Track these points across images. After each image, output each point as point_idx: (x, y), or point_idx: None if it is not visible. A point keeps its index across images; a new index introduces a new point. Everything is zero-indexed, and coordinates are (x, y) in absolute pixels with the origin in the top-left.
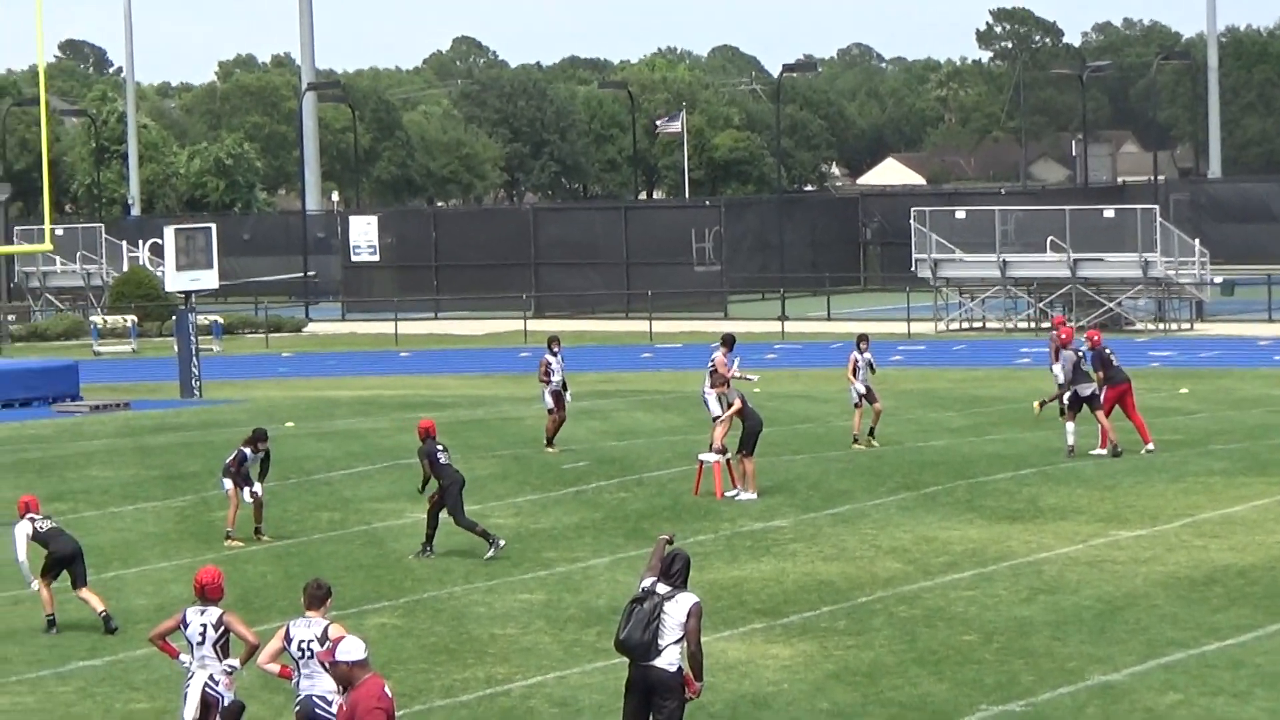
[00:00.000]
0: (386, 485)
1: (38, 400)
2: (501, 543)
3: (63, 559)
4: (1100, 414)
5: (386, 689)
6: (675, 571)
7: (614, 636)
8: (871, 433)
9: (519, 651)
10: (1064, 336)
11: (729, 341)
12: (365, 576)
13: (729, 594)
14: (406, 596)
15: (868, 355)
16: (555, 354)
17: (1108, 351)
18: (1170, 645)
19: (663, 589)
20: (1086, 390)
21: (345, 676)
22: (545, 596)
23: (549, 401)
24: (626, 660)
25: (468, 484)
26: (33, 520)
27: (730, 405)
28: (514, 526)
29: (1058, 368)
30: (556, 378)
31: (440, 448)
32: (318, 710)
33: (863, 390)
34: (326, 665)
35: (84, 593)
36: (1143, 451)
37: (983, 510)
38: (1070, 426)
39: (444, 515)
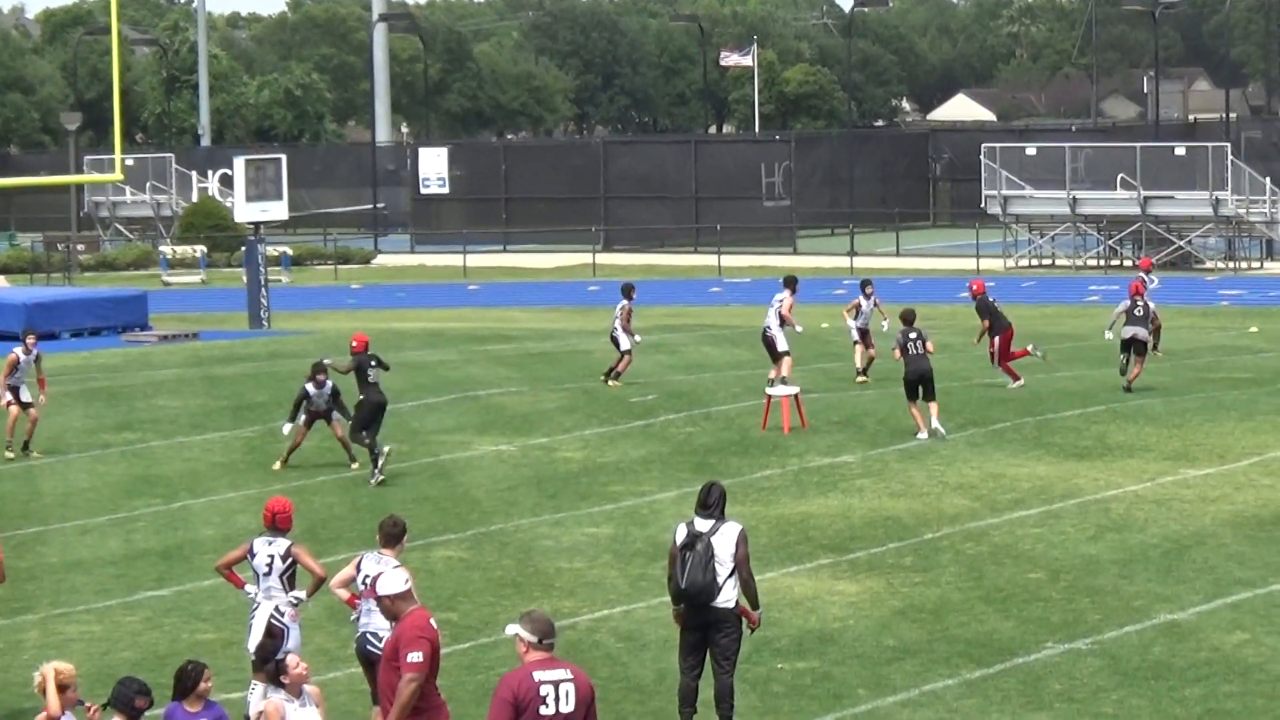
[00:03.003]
0: (454, 417)
1: (107, 329)
2: (381, 476)
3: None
4: (1004, 364)
5: (431, 621)
6: (713, 503)
7: (669, 586)
8: (864, 371)
9: (585, 585)
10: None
11: (791, 283)
12: (432, 509)
13: (796, 529)
14: (473, 529)
15: (874, 300)
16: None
17: (992, 300)
18: (1237, 584)
19: (704, 525)
20: (1129, 333)
21: (389, 610)
22: (612, 530)
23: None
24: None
25: (527, 417)
26: None
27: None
28: (581, 460)
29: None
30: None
31: (373, 363)
32: (368, 646)
33: (862, 328)
34: (373, 603)
35: None
36: (1011, 387)
37: (1050, 447)
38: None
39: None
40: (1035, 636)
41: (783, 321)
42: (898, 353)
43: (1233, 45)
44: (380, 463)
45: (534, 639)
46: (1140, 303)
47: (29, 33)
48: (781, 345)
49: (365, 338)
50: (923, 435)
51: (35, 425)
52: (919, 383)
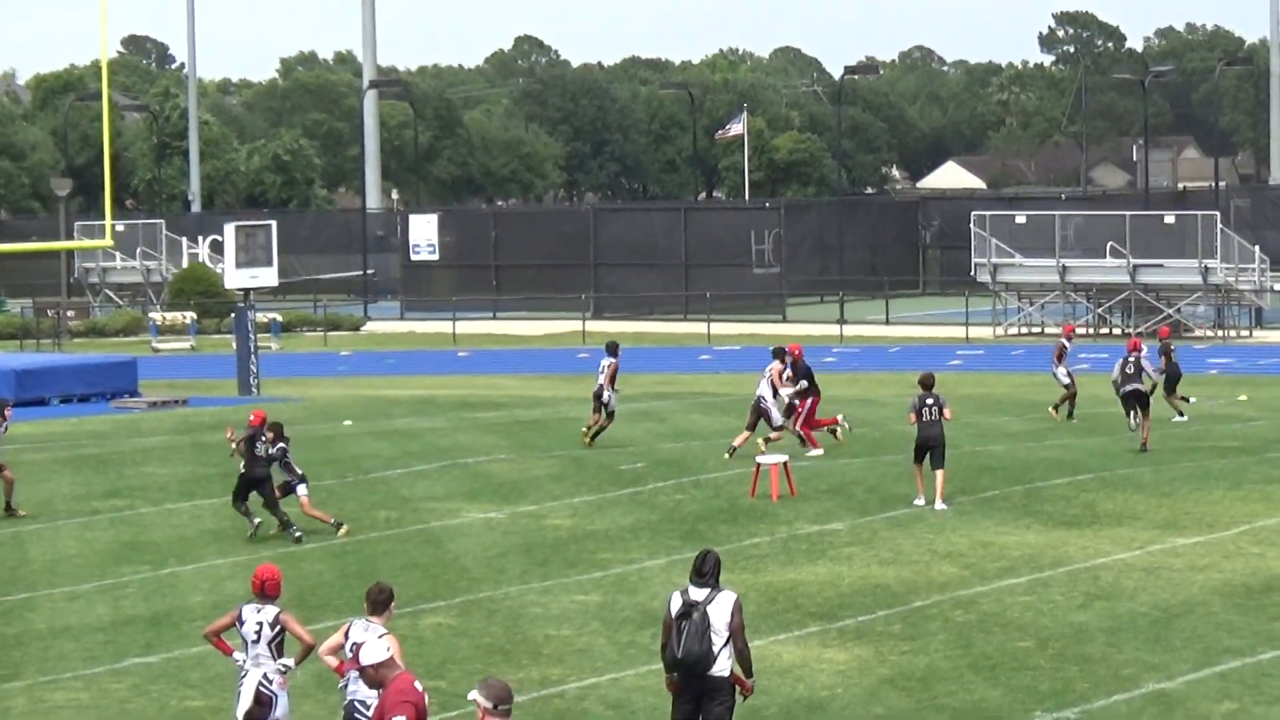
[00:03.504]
0: (444, 484)
1: (96, 396)
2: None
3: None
4: (806, 428)
5: (416, 684)
6: (708, 571)
7: (664, 655)
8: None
9: (573, 653)
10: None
11: (780, 354)
12: (421, 576)
13: (784, 597)
14: (462, 596)
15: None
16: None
17: (808, 366)
18: (1226, 653)
19: (699, 594)
20: (1129, 389)
21: (373, 679)
22: (600, 598)
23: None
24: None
25: (516, 484)
26: None
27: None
28: (570, 527)
29: (1061, 371)
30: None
31: (262, 438)
32: (356, 714)
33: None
34: (357, 674)
35: None
36: (809, 454)
37: (1039, 515)
38: (1132, 421)
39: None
40: (1024, 705)
41: (774, 390)
42: (912, 416)
43: (1222, 114)
44: (251, 532)
45: (489, 704)
46: (1133, 358)
47: (19, 99)
48: (776, 419)
49: (263, 414)
50: (919, 501)
51: (13, 486)
52: (927, 449)
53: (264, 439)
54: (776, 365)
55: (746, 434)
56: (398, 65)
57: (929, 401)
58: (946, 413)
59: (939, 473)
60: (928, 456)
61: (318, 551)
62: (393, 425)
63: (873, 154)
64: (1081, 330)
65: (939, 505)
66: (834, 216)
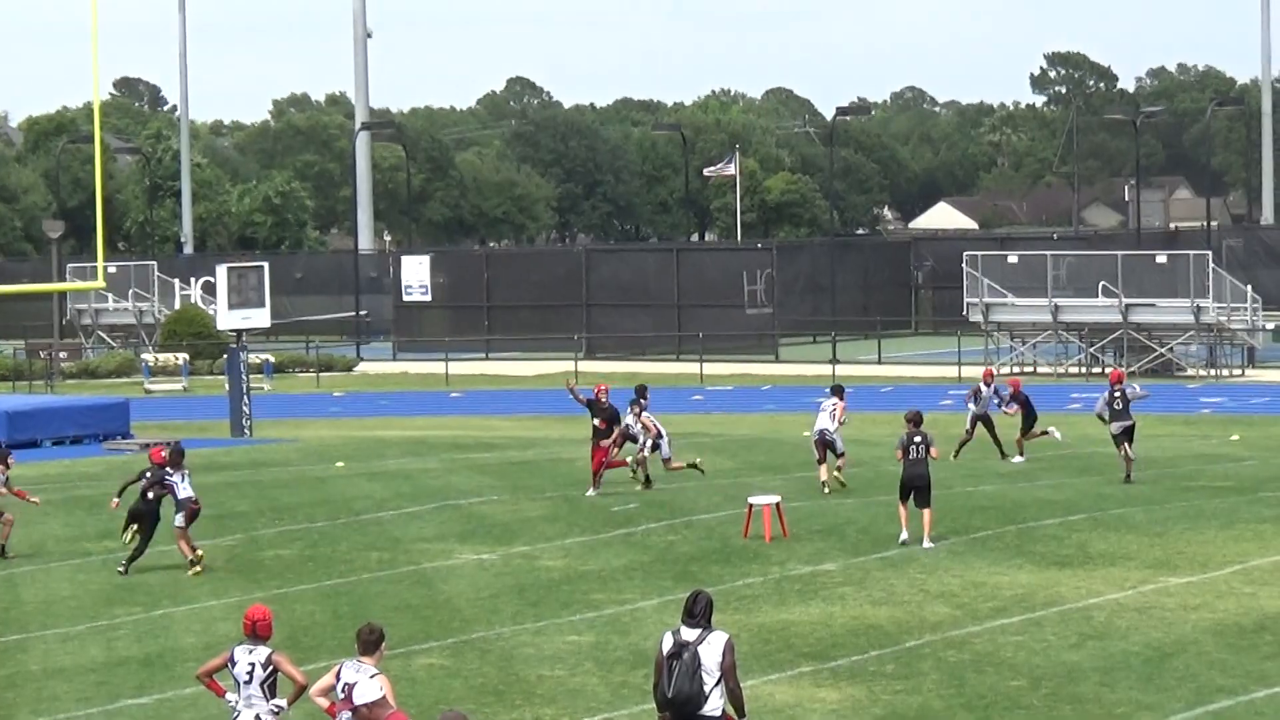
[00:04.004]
0: (436, 526)
1: (89, 438)
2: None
3: None
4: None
5: None
6: (699, 611)
7: (655, 694)
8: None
9: (566, 693)
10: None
11: (839, 391)
12: (413, 617)
13: (777, 637)
14: (454, 637)
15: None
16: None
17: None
18: (1219, 692)
19: (691, 634)
20: (1119, 427)
21: (368, 719)
22: (593, 638)
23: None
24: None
25: (509, 525)
26: None
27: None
28: (563, 568)
29: (973, 410)
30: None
31: (167, 475)
32: None
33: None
34: (350, 714)
35: None
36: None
37: (1032, 555)
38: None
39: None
40: None
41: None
42: (899, 453)
43: (1213, 154)
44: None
45: None
46: (1119, 391)
47: (12, 141)
48: (840, 446)
49: (159, 451)
50: (904, 537)
51: (10, 528)
52: (912, 487)
53: (167, 474)
54: (837, 401)
55: (822, 466)
56: (390, 107)
57: (916, 439)
58: (933, 451)
59: (925, 511)
60: (913, 495)
61: (310, 593)
62: (385, 466)
63: (865, 195)
64: (1074, 370)
65: (926, 544)
66: (826, 257)
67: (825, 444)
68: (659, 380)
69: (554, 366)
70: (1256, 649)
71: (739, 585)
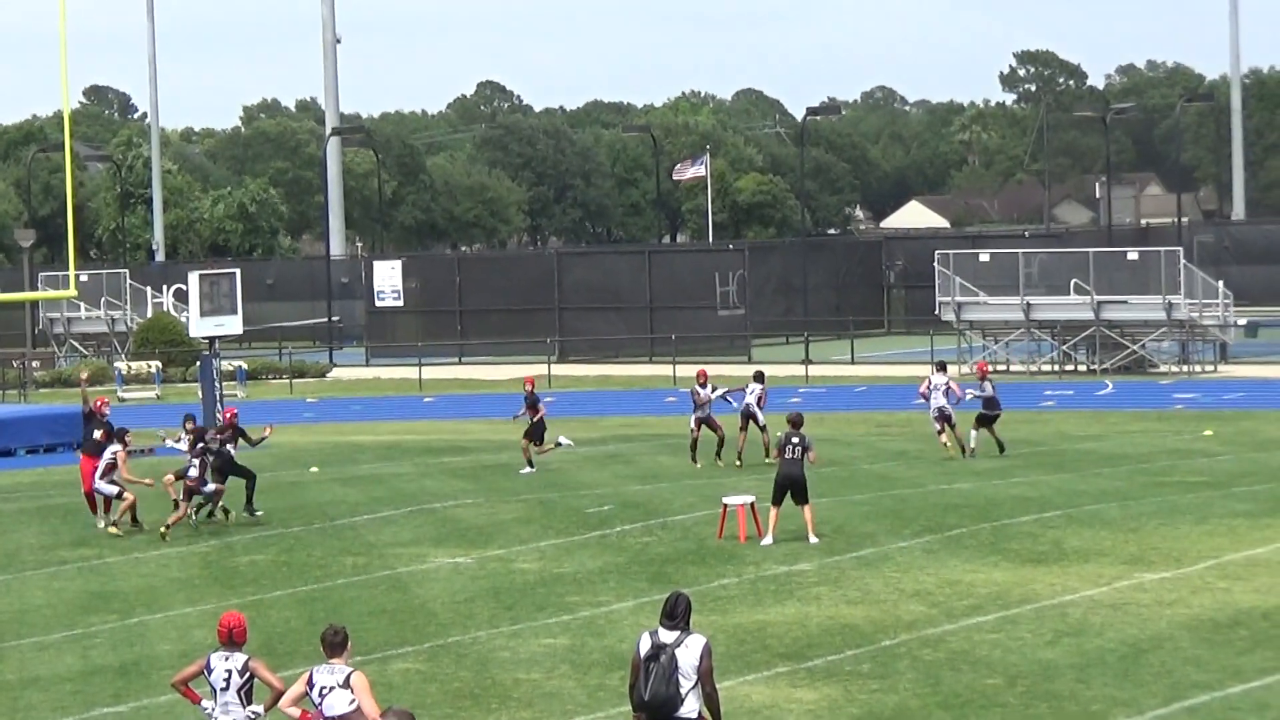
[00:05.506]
0: (410, 530)
1: (62, 446)
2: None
3: None
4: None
5: None
6: (678, 614)
7: (631, 696)
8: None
9: (543, 696)
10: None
11: (760, 377)
12: (389, 621)
13: (753, 638)
14: (430, 641)
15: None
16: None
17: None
18: (1194, 688)
19: (668, 636)
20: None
21: None
22: (569, 641)
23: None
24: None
25: (483, 529)
26: None
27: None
28: (538, 571)
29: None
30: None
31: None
32: None
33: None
34: None
35: None
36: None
37: (1007, 553)
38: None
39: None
40: None
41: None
42: (775, 453)
43: (1184, 150)
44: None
45: None
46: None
47: None
48: (761, 419)
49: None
50: (767, 540)
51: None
52: (788, 487)
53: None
54: (758, 387)
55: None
56: (360, 112)
57: (794, 440)
58: (810, 455)
59: (805, 508)
60: (789, 495)
61: (285, 599)
62: (359, 471)
63: (836, 194)
64: (1047, 368)
65: (812, 539)
66: (798, 257)
67: (748, 416)
68: (632, 383)
69: (527, 370)
70: (1231, 644)
71: (714, 586)
